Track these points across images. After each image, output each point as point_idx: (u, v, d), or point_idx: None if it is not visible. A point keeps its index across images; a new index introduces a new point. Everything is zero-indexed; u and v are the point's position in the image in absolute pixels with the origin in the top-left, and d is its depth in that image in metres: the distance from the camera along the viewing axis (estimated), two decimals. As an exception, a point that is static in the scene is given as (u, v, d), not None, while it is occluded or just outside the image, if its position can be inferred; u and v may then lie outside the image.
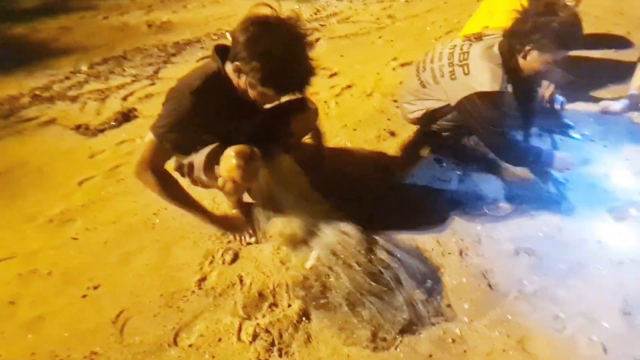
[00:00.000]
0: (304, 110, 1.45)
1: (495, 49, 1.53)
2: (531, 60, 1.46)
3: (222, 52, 1.11)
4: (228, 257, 1.42)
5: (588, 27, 2.84)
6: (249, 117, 1.28)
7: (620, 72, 2.29)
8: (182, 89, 1.09)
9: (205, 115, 1.09)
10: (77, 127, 2.10)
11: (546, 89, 1.98)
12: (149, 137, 1.12)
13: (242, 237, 1.46)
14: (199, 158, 1.24)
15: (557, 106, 2.00)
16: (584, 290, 1.29)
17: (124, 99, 2.34)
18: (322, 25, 3.24)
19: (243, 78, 1.05)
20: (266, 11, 1.00)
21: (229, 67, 1.09)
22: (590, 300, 1.26)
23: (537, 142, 1.87)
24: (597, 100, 2.14)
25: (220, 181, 1.21)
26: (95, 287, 1.34)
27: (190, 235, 1.50)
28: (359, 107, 2.22)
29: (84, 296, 1.31)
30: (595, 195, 1.63)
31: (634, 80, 2.04)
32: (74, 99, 2.34)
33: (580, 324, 1.19)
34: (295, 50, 0.99)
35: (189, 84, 1.09)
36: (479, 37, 1.59)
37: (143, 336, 1.19)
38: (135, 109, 2.25)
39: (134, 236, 1.51)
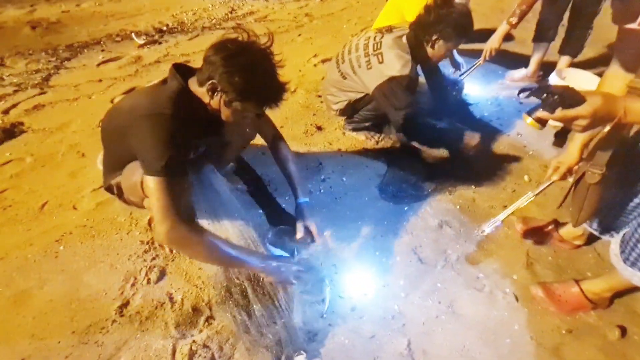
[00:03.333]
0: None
1: (404, 39, 1.68)
2: (438, 48, 1.64)
3: (182, 71, 1.07)
4: (153, 276, 1.28)
5: (478, 23, 3.24)
6: (216, 131, 1.21)
7: (507, 61, 2.66)
8: (157, 115, 0.96)
9: (184, 136, 1.01)
10: (-59, 150, 1.72)
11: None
12: (151, 183, 0.94)
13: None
14: (126, 181, 1.14)
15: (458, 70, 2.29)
16: (495, 250, 1.45)
17: (5, 112, 1.97)
18: (238, 24, 3.15)
19: (217, 97, 1.02)
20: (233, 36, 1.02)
21: (195, 86, 1.05)
22: (501, 258, 1.42)
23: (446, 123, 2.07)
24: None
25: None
26: (-19, 340, 1.10)
27: (104, 259, 1.32)
28: (284, 104, 2.14)
29: (-34, 353, 1.07)
30: (499, 168, 1.85)
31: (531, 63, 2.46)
32: None
33: (496, 280, 1.34)
34: (270, 65, 1.01)
35: (160, 107, 0.98)
36: (389, 30, 1.72)
37: (53, 385, 1.01)
38: (21, 123, 1.91)
39: (31, 271, 1.28)
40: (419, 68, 1.82)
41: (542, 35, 2.35)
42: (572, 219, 1.13)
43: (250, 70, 0.97)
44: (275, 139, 1.41)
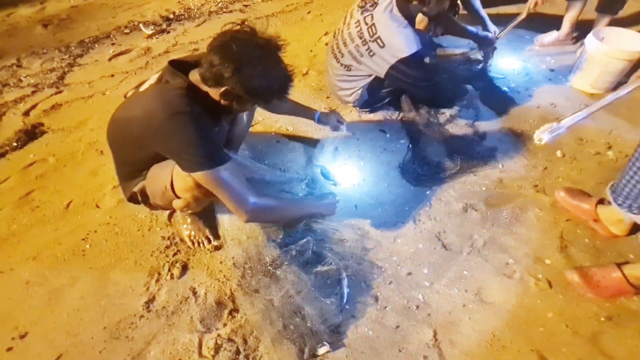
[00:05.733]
0: None
1: (396, 10, 1.52)
2: (434, 3, 1.46)
3: (179, 66, 1.07)
4: (176, 271, 1.30)
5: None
6: (225, 118, 1.27)
7: (535, 25, 2.42)
8: (179, 115, 0.97)
9: (207, 128, 1.06)
10: (-30, 155, 1.78)
11: None
12: (210, 177, 1.02)
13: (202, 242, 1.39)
14: (153, 185, 1.17)
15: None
16: (526, 234, 1.37)
17: (26, 113, 2.01)
18: (245, 6, 3.03)
19: (229, 98, 1.04)
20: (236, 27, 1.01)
21: (197, 81, 1.04)
22: (532, 242, 1.34)
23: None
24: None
25: (181, 202, 1.17)
26: (22, 336, 1.16)
27: (129, 256, 1.35)
28: (297, 87, 2.12)
29: (9, 349, 1.13)
30: (528, 143, 1.72)
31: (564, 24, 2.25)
32: (-40, 122, 1.98)
33: (527, 265, 1.27)
34: (279, 61, 1.02)
35: (178, 107, 0.98)
36: (373, 3, 1.57)
37: (89, 379, 1.06)
38: (41, 124, 1.95)
39: (62, 269, 1.32)
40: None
41: None
42: None
43: (265, 75, 0.98)
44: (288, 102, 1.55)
